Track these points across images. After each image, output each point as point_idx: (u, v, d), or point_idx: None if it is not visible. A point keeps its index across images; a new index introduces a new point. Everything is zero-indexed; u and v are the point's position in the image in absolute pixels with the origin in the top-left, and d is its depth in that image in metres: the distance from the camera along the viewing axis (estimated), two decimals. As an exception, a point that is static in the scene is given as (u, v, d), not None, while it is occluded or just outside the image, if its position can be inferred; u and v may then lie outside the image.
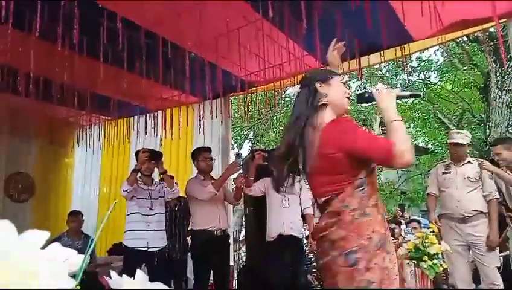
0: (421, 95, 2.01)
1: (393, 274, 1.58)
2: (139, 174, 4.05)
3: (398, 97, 1.72)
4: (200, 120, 5.62)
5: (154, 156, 4.11)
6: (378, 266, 1.54)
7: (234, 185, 4.37)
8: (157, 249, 4.00)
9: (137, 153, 4.15)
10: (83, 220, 5.12)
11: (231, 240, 4.64)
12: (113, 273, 0.48)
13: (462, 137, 3.96)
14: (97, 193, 6.77)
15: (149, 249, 3.93)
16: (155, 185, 4.19)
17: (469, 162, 3.92)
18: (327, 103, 1.75)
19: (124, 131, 6.15)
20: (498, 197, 3.81)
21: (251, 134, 16.26)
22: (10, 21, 2.73)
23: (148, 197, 4.07)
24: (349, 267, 1.55)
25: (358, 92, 1.80)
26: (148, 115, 5.89)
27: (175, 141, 5.70)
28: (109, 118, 6.36)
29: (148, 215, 4.01)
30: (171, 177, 4.19)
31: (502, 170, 3.68)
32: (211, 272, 4.23)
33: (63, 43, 3.14)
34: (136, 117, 6.07)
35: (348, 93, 1.80)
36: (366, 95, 1.76)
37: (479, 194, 3.80)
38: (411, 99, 14.75)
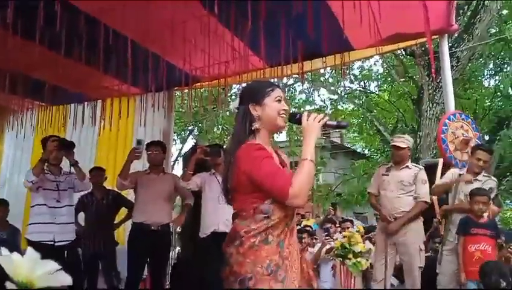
0: (347, 126, 2.12)
1: None
2: (46, 164, 3.81)
3: (325, 125, 1.74)
4: (141, 112, 5.52)
5: (65, 146, 3.90)
6: None
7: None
8: (66, 243, 3.81)
9: (44, 141, 3.89)
10: (9, 210, 4.85)
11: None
12: (3, 249, 0.48)
13: (403, 141, 4.12)
14: (26, 181, 6.41)
15: (56, 244, 3.72)
16: (64, 176, 3.97)
17: (407, 166, 4.08)
18: (260, 127, 1.77)
19: (59, 119, 5.87)
20: (427, 201, 4.00)
21: (196, 130, 16.14)
22: None
23: (56, 189, 3.85)
24: None
25: (291, 112, 1.81)
26: (86, 103, 5.67)
27: (114, 132, 5.54)
28: (43, 104, 6.04)
29: (55, 207, 3.81)
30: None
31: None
32: (145, 266, 4.17)
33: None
34: (73, 105, 5.83)
35: (283, 110, 1.78)
36: (297, 117, 1.78)
37: (411, 198, 3.98)
38: (351, 106, 15.35)
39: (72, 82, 4.94)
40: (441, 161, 4.98)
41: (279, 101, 1.79)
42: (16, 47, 3.54)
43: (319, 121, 1.71)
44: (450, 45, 7.08)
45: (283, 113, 1.78)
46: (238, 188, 1.72)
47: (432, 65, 4.22)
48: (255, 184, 1.65)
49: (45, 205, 3.78)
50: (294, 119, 1.79)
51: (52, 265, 0.59)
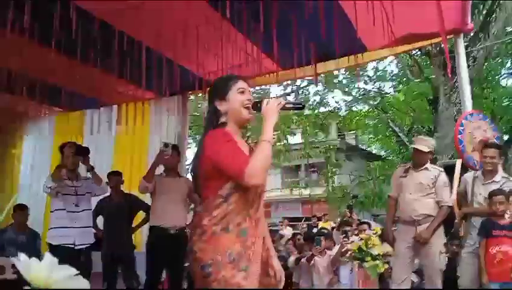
0: (303, 106, 2.14)
1: None
2: (64, 170, 3.91)
3: (284, 108, 1.80)
4: (156, 116, 5.57)
5: (81, 151, 4.01)
6: (224, 279, 1.59)
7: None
8: (85, 246, 3.94)
9: (62, 147, 4.02)
10: (29, 214, 4.93)
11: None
12: (22, 255, 0.49)
13: (426, 145, 3.95)
14: (45, 186, 6.51)
15: (76, 247, 3.83)
16: (81, 181, 4.08)
17: (426, 168, 3.94)
18: (226, 121, 1.80)
19: (76, 124, 5.97)
20: (450, 205, 3.89)
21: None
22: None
23: (74, 193, 3.96)
24: (204, 278, 1.63)
25: (254, 101, 1.83)
26: (102, 108, 5.75)
27: (129, 136, 5.60)
28: (61, 109, 6.14)
29: (74, 211, 3.92)
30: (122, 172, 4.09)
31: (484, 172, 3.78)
32: (163, 269, 4.20)
33: (12, 28, 3.02)
34: (89, 110, 5.91)
35: (247, 101, 1.81)
36: (258, 105, 1.81)
37: (431, 200, 3.86)
38: (366, 107, 15.21)
39: (88, 87, 5.01)
40: (459, 162, 4.88)
41: (242, 92, 1.82)
42: (33, 53, 3.61)
43: (277, 105, 1.77)
44: (465, 44, 6.97)
45: (247, 104, 1.81)
46: (205, 175, 1.75)
47: (447, 65, 4.15)
48: (216, 167, 1.67)
49: (64, 209, 3.88)
50: (256, 107, 1.82)
51: (69, 269, 0.59)
